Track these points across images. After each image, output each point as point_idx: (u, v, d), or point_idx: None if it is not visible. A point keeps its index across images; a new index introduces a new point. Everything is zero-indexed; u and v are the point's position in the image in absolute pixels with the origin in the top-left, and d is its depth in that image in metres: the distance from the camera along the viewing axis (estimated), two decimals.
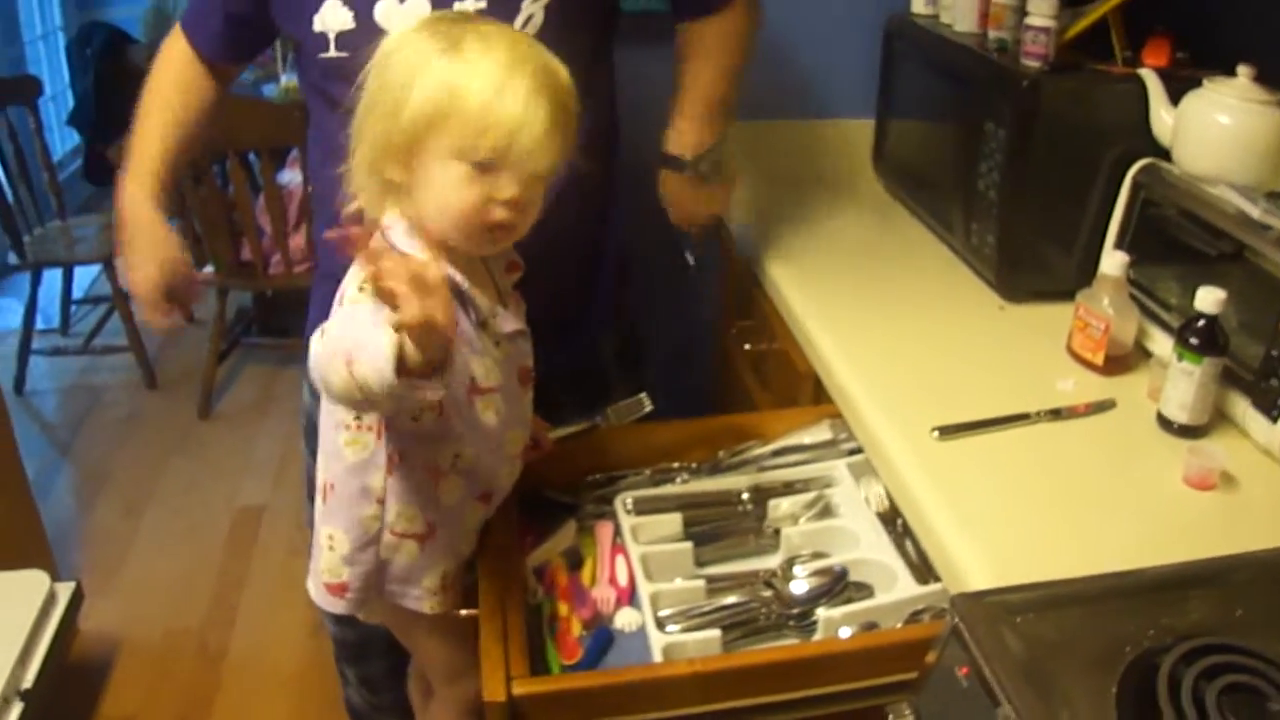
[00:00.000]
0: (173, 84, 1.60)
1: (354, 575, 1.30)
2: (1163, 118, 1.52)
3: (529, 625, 1.27)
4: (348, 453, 1.25)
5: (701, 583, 1.30)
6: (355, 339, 1.00)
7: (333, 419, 1.26)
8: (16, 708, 2.01)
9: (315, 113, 1.55)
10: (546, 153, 1.12)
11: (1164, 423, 1.36)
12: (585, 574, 1.37)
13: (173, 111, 1.59)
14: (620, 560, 1.36)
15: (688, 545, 1.37)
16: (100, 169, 5.05)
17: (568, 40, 1.25)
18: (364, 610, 1.37)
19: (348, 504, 1.27)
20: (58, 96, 5.36)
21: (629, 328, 1.82)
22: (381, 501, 1.26)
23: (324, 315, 1.11)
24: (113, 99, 4.63)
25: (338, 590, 1.32)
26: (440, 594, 1.32)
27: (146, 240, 1.55)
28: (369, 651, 1.86)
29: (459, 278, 1.17)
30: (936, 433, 1.34)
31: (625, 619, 1.30)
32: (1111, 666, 0.96)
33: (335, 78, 1.36)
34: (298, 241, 3.41)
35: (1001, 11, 1.68)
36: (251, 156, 3.44)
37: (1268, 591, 1.09)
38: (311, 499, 1.35)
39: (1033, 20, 1.58)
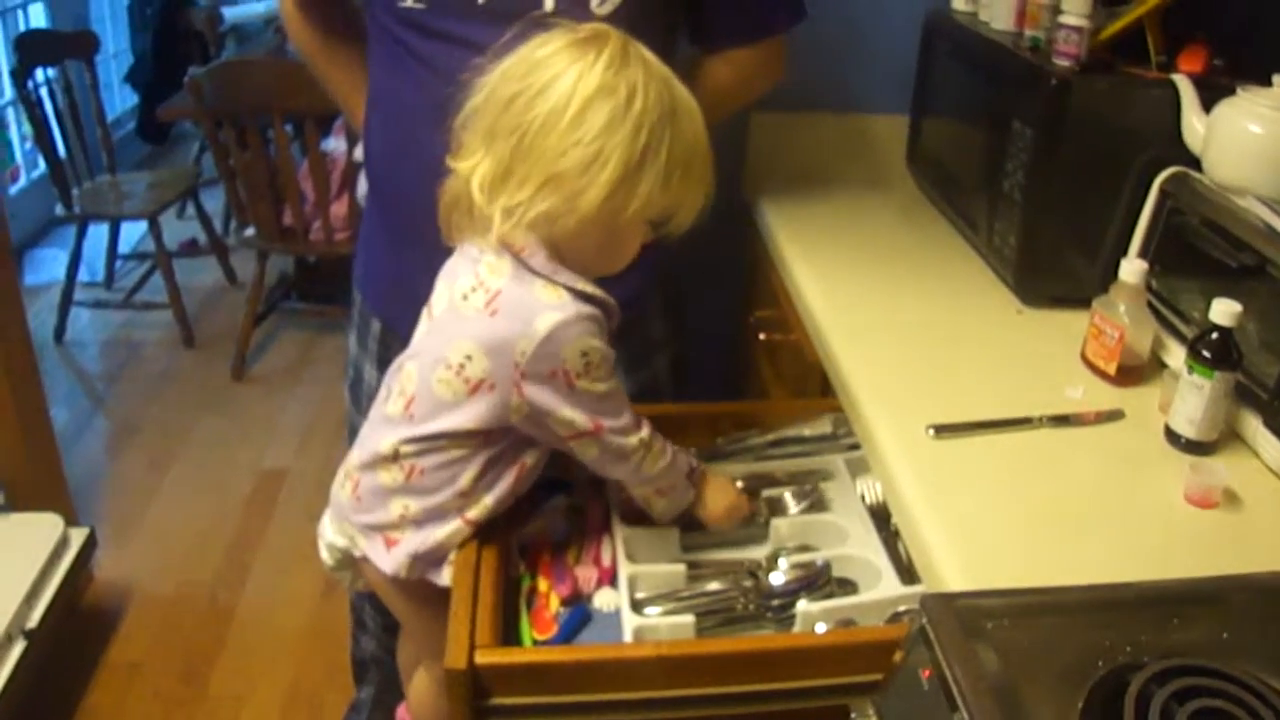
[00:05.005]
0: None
1: (411, 540, 1.30)
2: (1194, 125, 1.47)
3: (508, 598, 1.26)
4: (449, 453, 1.25)
5: (682, 567, 1.28)
6: (674, 487, 1.31)
7: (439, 422, 1.24)
8: (20, 645, 2.05)
9: (383, 72, 1.52)
10: None
11: (1171, 437, 1.32)
12: (571, 552, 1.36)
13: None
14: (607, 540, 1.34)
15: (674, 529, 1.35)
16: (154, 128, 5.13)
17: (642, 30, 1.21)
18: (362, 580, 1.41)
19: (432, 490, 1.27)
20: (120, 55, 5.43)
21: (684, 347, 1.78)
22: (465, 494, 1.26)
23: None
24: (169, 59, 4.69)
25: (391, 545, 1.31)
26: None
27: None
28: None
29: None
30: (931, 430, 1.31)
31: (604, 599, 1.28)
32: (1080, 681, 0.93)
33: (411, 28, 1.39)
34: (339, 209, 3.43)
35: (1038, 10, 1.64)
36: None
37: (1258, 616, 1.04)
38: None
39: (1066, 19, 1.53)
